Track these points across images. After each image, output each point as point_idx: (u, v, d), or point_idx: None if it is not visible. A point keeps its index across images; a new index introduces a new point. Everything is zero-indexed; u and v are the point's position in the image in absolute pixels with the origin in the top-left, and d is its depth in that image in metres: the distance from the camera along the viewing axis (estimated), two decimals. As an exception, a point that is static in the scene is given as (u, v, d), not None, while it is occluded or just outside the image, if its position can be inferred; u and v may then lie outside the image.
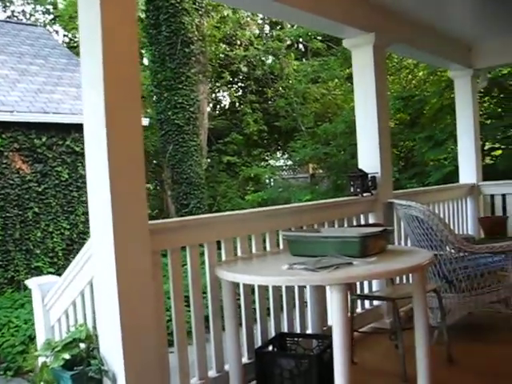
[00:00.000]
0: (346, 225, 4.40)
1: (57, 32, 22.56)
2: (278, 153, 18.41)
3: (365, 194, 4.55)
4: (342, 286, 2.47)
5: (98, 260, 2.78)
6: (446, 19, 5.52)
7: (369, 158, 4.72)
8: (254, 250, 3.60)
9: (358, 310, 4.62)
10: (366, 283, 4.54)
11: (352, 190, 4.56)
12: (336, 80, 16.38)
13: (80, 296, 3.20)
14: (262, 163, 17.19)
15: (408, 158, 14.55)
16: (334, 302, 2.49)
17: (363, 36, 4.65)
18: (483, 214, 6.65)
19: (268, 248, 3.71)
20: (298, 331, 3.95)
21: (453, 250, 4.13)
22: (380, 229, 3.00)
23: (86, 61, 2.74)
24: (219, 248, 3.37)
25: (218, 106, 20.03)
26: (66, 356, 2.83)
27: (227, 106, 19.83)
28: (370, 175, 4.58)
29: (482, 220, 6.12)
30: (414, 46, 5.48)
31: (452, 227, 6.17)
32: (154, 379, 2.82)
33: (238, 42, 18.45)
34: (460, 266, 4.16)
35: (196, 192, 13.16)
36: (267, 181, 16.38)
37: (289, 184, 15.14)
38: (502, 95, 13.26)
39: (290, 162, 17.15)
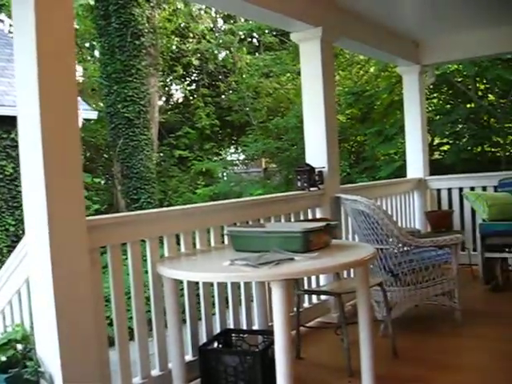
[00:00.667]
0: (293, 219, 4.38)
1: (2, 21, 21.90)
2: (231, 147, 18.34)
3: (312, 189, 4.54)
4: (282, 282, 2.43)
5: (33, 258, 2.68)
6: (394, 15, 5.56)
7: (316, 152, 4.71)
8: (198, 246, 3.55)
9: (306, 304, 4.62)
10: (313, 278, 4.54)
11: (299, 184, 4.54)
12: (288, 74, 16.40)
13: (17, 295, 3.10)
14: (215, 157, 17.10)
15: (359, 153, 14.70)
16: (274, 298, 2.46)
17: (310, 30, 4.62)
18: (430, 207, 6.75)
19: (213, 244, 3.66)
20: (245, 327, 3.92)
21: (398, 244, 4.16)
22: (323, 223, 2.98)
23: (20, 56, 2.62)
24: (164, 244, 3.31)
25: (171, 100, 19.82)
26: (2, 358, 2.73)
27: (180, 100, 19.65)
28: (317, 170, 4.57)
29: (429, 214, 6.20)
30: (361, 41, 5.50)
31: (400, 221, 6.26)
32: (93, 380, 2.74)
33: (191, 35, 18.28)
34: (405, 260, 4.20)
35: (146, 187, 13.00)
36: (220, 175, 16.31)
37: (241, 178, 15.10)
38: (450, 92, 13.50)
39: (242, 157, 17.11)
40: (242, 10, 4.79)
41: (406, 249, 4.25)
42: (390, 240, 4.12)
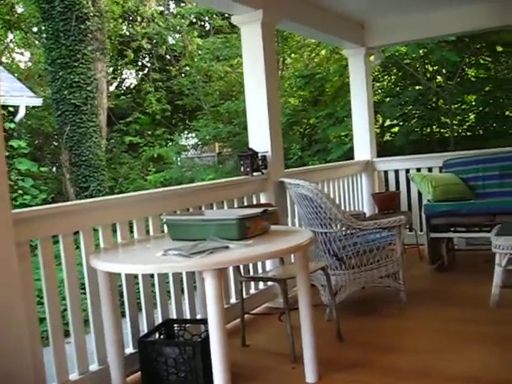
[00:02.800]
0: (236, 205, 4.32)
1: None
2: (184, 132, 18.11)
3: (255, 174, 4.48)
4: (215, 272, 2.37)
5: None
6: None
7: (259, 137, 4.65)
8: (136, 236, 3.46)
9: (252, 290, 4.59)
10: (259, 263, 4.50)
11: (242, 169, 4.48)
12: (239, 58, 16.24)
13: None
14: (168, 143, 16.87)
15: (311, 136, 14.71)
16: (207, 287, 2.40)
17: (251, 13, 4.53)
18: (378, 189, 6.79)
19: (152, 233, 3.57)
20: (188, 317, 3.85)
21: (342, 228, 4.14)
22: (260, 210, 2.93)
23: None
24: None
25: (123, 85, 19.44)
26: None
27: (132, 85, 19.29)
28: (260, 154, 4.52)
29: (376, 196, 6.22)
30: (304, 24, 5.45)
31: (348, 203, 6.28)
32: (25, 378, 2.64)
33: (139, 19, 17.92)
34: (349, 243, 4.19)
35: (96, 174, 12.72)
36: (172, 161, 16.09)
37: (193, 163, 14.96)
38: (399, 74, 13.61)
39: (194, 141, 16.92)
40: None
41: (349, 232, 4.24)
42: (334, 223, 4.10)
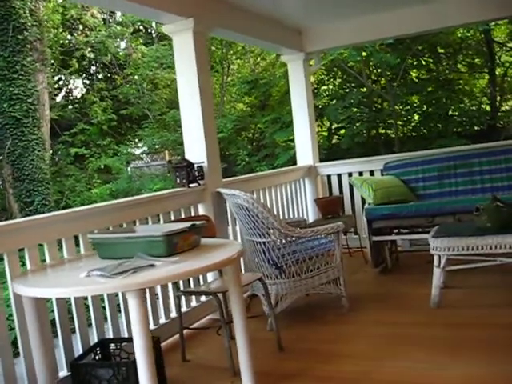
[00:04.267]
0: (172, 217, 4.23)
1: None
2: (131, 142, 17.85)
3: (192, 185, 4.41)
4: (137, 292, 2.30)
5: None
6: (275, 4, 5.48)
7: (195, 147, 4.58)
8: (65, 256, 3.35)
9: (193, 303, 4.52)
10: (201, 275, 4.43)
11: (178, 181, 4.40)
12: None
13: None
14: (117, 153, 16.60)
15: (259, 141, 14.73)
16: (130, 309, 2.32)
17: (182, 22, 4.47)
18: (322, 194, 6.79)
19: (83, 252, 3.46)
20: (126, 335, 3.75)
21: (279, 236, 4.11)
22: (188, 224, 2.86)
23: None
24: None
25: (66, 96, 19.06)
26: None
27: (76, 95, 18.94)
28: (196, 165, 4.45)
29: (318, 201, 6.22)
30: (239, 32, 5.42)
31: (291, 210, 6.26)
32: None
33: (81, 27, 17.62)
34: (288, 252, 4.17)
35: (40, 188, 12.41)
36: (120, 171, 15.82)
37: (141, 173, 14.76)
38: (344, 77, 13.76)
39: (140, 151, 16.71)
40: (110, 4, 4.60)
41: (288, 240, 4.22)
42: (272, 232, 4.07)
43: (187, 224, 2.88)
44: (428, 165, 5.84)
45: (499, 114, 13.88)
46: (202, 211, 4.53)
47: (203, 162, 4.50)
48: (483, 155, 5.72)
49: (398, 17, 6.18)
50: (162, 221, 4.13)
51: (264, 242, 4.10)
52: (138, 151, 17.15)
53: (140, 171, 15.33)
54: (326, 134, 14.72)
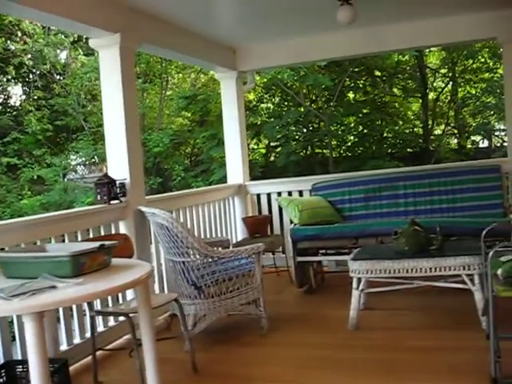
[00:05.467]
0: (91, 235, 4.14)
1: None
2: (66, 153, 17.43)
3: (113, 202, 4.33)
4: (34, 315, 2.22)
5: None
6: (207, 21, 5.50)
7: (117, 163, 4.50)
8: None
9: (111, 322, 4.42)
10: (120, 294, 4.34)
11: (99, 198, 4.32)
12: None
13: None
14: (52, 164, 16.17)
15: (197, 156, 14.68)
16: (26, 333, 2.24)
17: (108, 37, 4.41)
18: (251, 213, 6.79)
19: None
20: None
21: (199, 256, 4.08)
22: (97, 244, 2.79)
23: None
24: None
25: (4, 103, 18.48)
26: None
27: (12, 103, 18.40)
28: (118, 182, 4.37)
29: (246, 220, 6.22)
30: (169, 48, 5.40)
31: (219, 229, 6.22)
32: None
33: (19, 34, 17.15)
34: (208, 272, 4.14)
35: (-34, 199, 12.00)
36: (55, 182, 15.39)
37: (74, 185, 14.45)
38: (282, 95, 13.90)
39: (75, 163, 16.35)
40: (36, 17, 4.51)
41: (208, 260, 4.19)
42: (191, 252, 4.04)
43: (96, 244, 2.81)
44: (355, 186, 5.93)
45: (431, 137, 14.31)
46: (123, 229, 4.45)
47: (125, 179, 4.42)
48: (408, 179, 5.86)
49: (332, 40, 6.28)
50: (79, 238, 4.03)
51: (183, 262, 4.05)
52: (73, 163, 16.76)
53: (74, 183, 14.98)
54: (264, 151, 14.82)
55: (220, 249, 4.73)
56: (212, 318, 4.17)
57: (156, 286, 4.93)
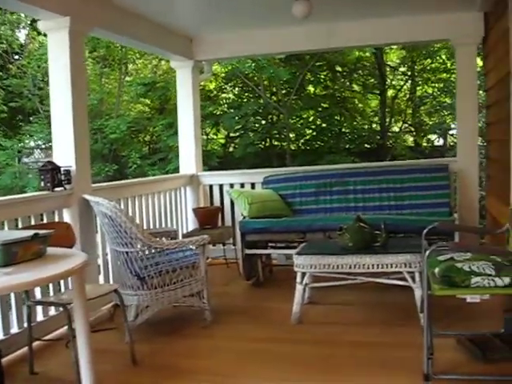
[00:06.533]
0: (33, 222, 4.06)
1: None
2: (23, 136, 17.03)
3: (57, 189, 4.25)
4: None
5: None
6: (163, 9, 5.43)
7: (63, 149, 4.42)
8: None
9: (52, 312, 4.34)
10: (62, 282, 4.26)
11: (42, 184, 4.23)
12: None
13: None
14: (10, 146, 15.75)
15: (155, 144, 14.54)
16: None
17: (57, 19, 4.31)
18: (203, 204, 6.76)
19: None
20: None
21: (143, 247, 4.04)
22: (30, 233, 2.73)
23: None
24: None
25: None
26: None
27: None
28: (63, 169, 4.29)
29: (197, 211, 6.19)
30: (122, 34, 5.32)
31: (170, 219, 6.17)
32: None
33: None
34: (152, 263, 4.10)
35: None
36: (10, 166, 15.00)
37: (27, 170, 14.13)
38: (242, 87, 13.86)
39: (30, 146, 15.98)
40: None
41: (152, 251, 4.15)
42: (135, 243, 3.99)
43: (30, 232, 2.75)
44: (306, 181, 5.95)
45: (388, 134, 14.47)
46: (67, 217, 4.38)
47: (71, 166, 4.34)
48: (358, 175, 5.91)
49: (290, 33, 6.27)
50: (20, 226, 3.94)
51: (127, 252, 4.01)
52: (31, 146, 16.37)
53: (28, 168, 14.64)
54: (223, 141, 14.76)
55: (165, 239, 4.70)
56: (154, 309, 4.14)
57: (101, 277, 4.87)
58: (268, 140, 13.65)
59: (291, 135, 13.52)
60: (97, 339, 3.22)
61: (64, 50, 4.37)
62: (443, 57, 13.35)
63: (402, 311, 4.41)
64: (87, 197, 4.28)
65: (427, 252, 3.15)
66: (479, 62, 7.18)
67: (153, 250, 4.14)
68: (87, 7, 4.58)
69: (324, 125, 13.66)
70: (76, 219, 4.36)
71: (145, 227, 5.50)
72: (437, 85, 14.04)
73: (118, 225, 3.91)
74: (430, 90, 14.35)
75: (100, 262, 4.85)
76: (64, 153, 4.40)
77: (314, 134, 13.75)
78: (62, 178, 4.27)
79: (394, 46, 13.15)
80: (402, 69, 14.61)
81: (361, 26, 6.11)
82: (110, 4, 4.92)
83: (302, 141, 13.86)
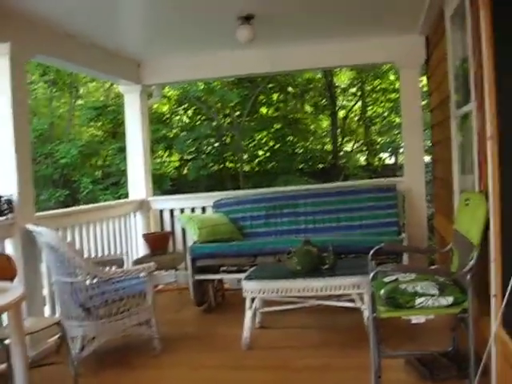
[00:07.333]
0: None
1: None
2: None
3: (-2, 219, 4.13)
4: None
5: None
6: (110, 34, 5.38)
7: (4, 177, 4.29)
8: None
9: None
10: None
11: (-18, 214, 4.10)
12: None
13: None
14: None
15: (108, 168, 14.35)
16: None
17: (-3, 46, 4.22)
18: (154, 229, 6.67)
19: None
20: None
21: (87, 277, 3.96)
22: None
23: None
24: None
25: None
26: None
27: None
28: (4, 198, 4.17)
29: (147, 236, 6.10)
30: (67, 60, 5.25)
31: (119, 245, 6.07)
32: None
33: None
34: (97, 293, 4.02)
35: None
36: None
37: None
38: (195, 109, 13.85)
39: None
40: None
41: (97, 281, 4.07)
42: (79, 273, 3.91)
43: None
44: (256, 204, 5.95)
45: (341, 153, 14.65)
46: (9, 248, 4.24)
47: (12, 195, 4.23)
48: (308, 197, 5.94)
49: (238, 57, 6.29)
50: (-42, 258, 3.81)
51: (71, 283, 3.93)
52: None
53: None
54: (177, 164, 14.68)
55: (113, 268, 4.61)
56: (101, 340, 4.05)
57: (47, 308, 4.74)
58: (221, 162, 13.64)
59: (244, 157, 13.56)
60: (41, 374, 3.12)
61: (4, 76, 4.27)
62: (391, 77, 13.62)
63: (353, 333, 4.41)
64: (29, 227, 4.17)
65: (371, 274, 3.17)
66: (425, 82, 7.35)
67: (98, 280, 4.04)
68: (29, 33, 4.51)
69: (277, 146, 13.74)
70: (19, 250, 4.23)
71: (93, 255, 5.40)
72: (386, 104, 14.30)
73: (62, 255, 3.83)
74: (379, 110, 14.60)
75: (46, 293, 4.71)
76: (5, 181, 4.27)
77: (268, 155, 13.81)
78: (5, 206, 4.15)
79: (344, 68, 13.36)
80: (353, 89, 14.84)
81: (307, 49, 6.18)
82: (53, 30, 4.85)
83: (255, 162, 13.91)
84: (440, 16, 4.68)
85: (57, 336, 4.48)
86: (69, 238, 4.99)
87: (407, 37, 5.87)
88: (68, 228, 5.03)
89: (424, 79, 7.34)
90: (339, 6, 4.86)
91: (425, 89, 7.66)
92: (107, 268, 4.41)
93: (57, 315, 4.56)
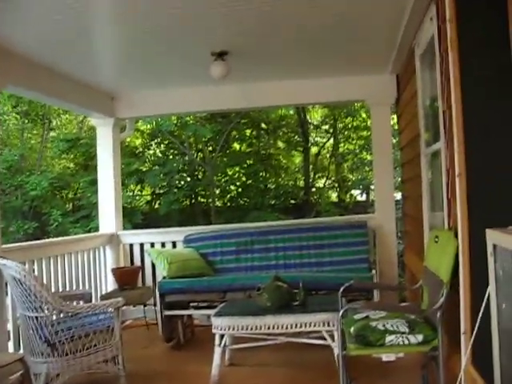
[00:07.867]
0: None
1: None
2: None
3: (-38, 251, 4.04)
4: None
5: None
6: (83, 68, 5.39)
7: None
8: None
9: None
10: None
11: None
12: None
13: None
14: None
15: (79, 200, 14.21)
16: None
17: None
18: (123, 264, 6.59)
19: None
20: None
21: (53, 311, 3.87)
22: None
23: None
24: None
25: None
26: None
27: None
28: (-31, 230, 4.10)
29: (115, 271, 6.01)
30: (37, 91, 5.21)
31: (88, 280, 5.97)
32: None
33: None
34: (63, 328, 3.93)
35: None
36: None
37: None
38: (168, 143, 13.86)
39: None
40: None
41: (64, 316, 3.98)
42: (45, 307, 3.82)
43: None
44: (227, 239, 5.93)
45: (312, 190, 14.73)
46: (-27, 280, 4.15)
47: (-23, 227, 4.16)
48: (279, 232, 5.94)
49: (211, 92, 6.32)
50: None
51: (36, 317, 3.83)
52: None
53: None
54: (149, 198, 14.61)
55: (80, 302, 4.52)
56: (66, 377, 3.93)
57: (10, 343, 4.61)
58: (193, 197, 13.61)
59: (216, 192, 13.55)
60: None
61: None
62: (363, 115, 13.82)
63: (323, 370, 4.36)
64: (-6, 260, 4.08)
65: (340, 312, 3.15)
66: (396, 120, 7.48)
67: (64, 315, 3.95)
68: (0, 63, 4.47)
69: (249, 181, 13.77)
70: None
71: (61, 289, 5.29)
72: (358, 142, 14.48)
73: (28, 288, 3.74)
74: (351, 147, 14.77)
75: (10, 327, 4.59)
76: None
77: (240, 190, 13.83)
78: (-31, 239, 4.07)
79: (317, 105, 13.54)
80: (325, 126, 15.02)
81: (281, 86, 6.26)
82: (26, 61, 4.83)
83: (227, 197, 13.90)
84: (411, 55, 4.79)
85: (19, 373, 4.40)
86: (36, 271, 4.90)
87: (379, 75, 5.99)
88: (35, 261, 4.94)
89: (395, 117, 7.48)
90: (313, 45, 4.96)
91: (395, 127, 7.79)
92: (74, 303, 4.32)
93: (21, 351, 4.43)
